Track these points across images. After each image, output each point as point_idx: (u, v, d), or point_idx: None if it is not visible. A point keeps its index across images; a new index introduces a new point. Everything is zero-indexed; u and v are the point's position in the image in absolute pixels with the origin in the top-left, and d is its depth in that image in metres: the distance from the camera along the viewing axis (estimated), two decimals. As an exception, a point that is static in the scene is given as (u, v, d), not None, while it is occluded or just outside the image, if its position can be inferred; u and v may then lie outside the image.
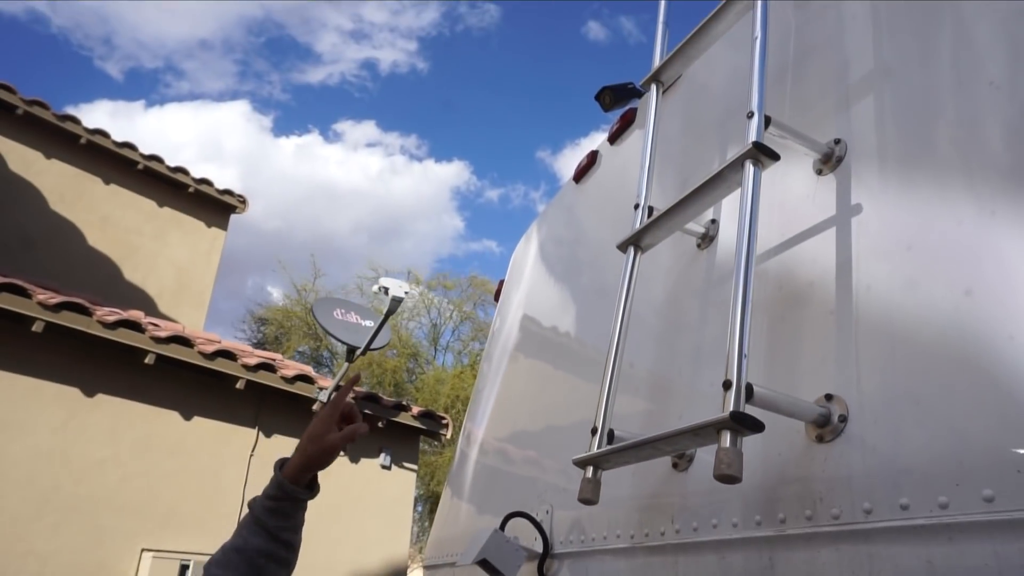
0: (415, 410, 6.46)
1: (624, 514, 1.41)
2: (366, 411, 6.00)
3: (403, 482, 6.46)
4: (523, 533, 1.73)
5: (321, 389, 5.69)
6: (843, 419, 1.02)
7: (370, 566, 5.96)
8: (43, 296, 4.43)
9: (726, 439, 0.93)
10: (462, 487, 2.44)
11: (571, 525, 1.60)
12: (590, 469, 1.23)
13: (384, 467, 6.27)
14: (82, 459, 4.58)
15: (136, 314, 5.09)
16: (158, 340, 4.83)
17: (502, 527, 1.68)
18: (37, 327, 4.36)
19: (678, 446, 1.08)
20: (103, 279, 7.18)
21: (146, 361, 4.78)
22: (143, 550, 4.66)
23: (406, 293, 5.54)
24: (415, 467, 6.62)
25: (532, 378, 2.27)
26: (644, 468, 1.38)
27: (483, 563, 1.60)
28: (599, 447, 1.22)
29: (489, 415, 2.47)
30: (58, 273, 6.28)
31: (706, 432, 0.97)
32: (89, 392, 4.71)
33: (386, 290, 5.50)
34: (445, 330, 17.81)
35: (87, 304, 4.60)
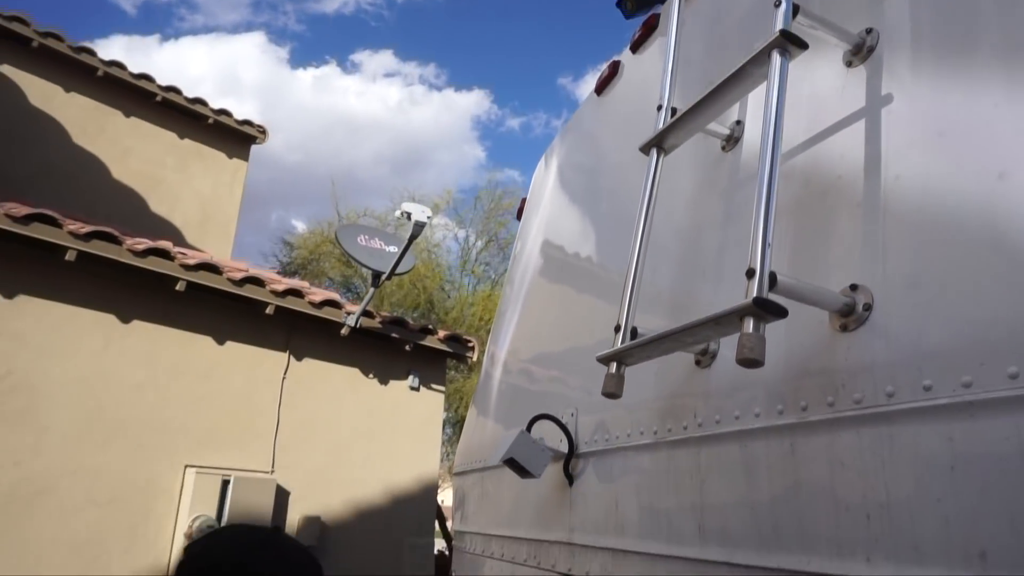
0: (441, 333, 6.56)
1: (647, 413, 1.45)
2: (393, 335, 6.11)
3: (432, 403, 6.63)
4: (549, 437, 1.79)
5: (348, 314, 5.78)
6: (868, 308, 1.03)
7: (402, 482, 6.20)
8: (74, 226, 4.51)
9: (749, 325, 0.94)
10: (488, 401, 2.50)
11: (595, 427, 1.64)
12: (613, 365, 1.25)
13: (413, 388, 6.43)
14: (121, 382, 4.75)
15: (165, 243, 5.17)
16: (187, 267, 4.91)
17: (528, 429, 1.73)
18: (70, 256, 4.45)
19: (700, 337, 1.09)
20: (129, 212, 7.27)
21: (177, 288, 4.88)
22: (186, 466, 4.89)
23: (428, 218, 5.55)
24: (443, 388, 6.77)
25: (554, 296, 2.29)
26: (667, 368, 1.41)
27: (510, 462, 1.66)
28: (622, 343, 1.24)
29: (512, 334, 2.50)
30: (84, 207, 6.35)
31: (728, 320, 0.98)
32: (124, 318, 4.85)
33: (408, 215, 5.51)
34: (472, 254, 17.85)
35: (117, 233, 4.68)
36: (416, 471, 6.32)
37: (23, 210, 4.30)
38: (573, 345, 1.98)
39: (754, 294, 0.94)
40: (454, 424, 15.22)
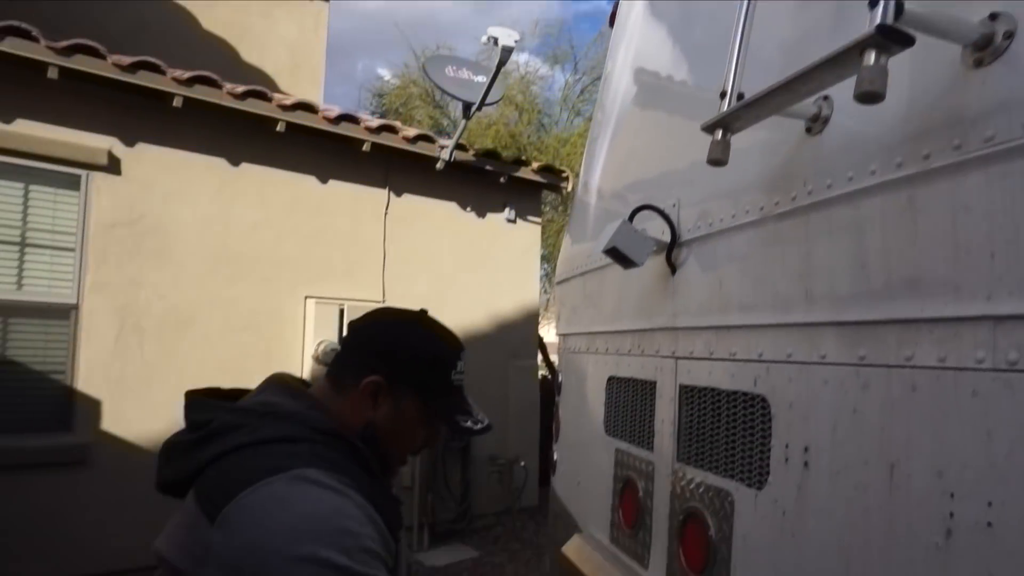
0: (535, 165, 6.54)
1: (752, 194, 1.42)
2: (487, 167, 6.14)
3: (528, 235, 6.74)
4: (651, 230, 1.79)
5: (442, 147, 5.82)
6: (1008, 36, 0.93)
7: (504, 310, 6.49)
8: (176, 72, 4.65)
9: (870, 58, 0.88)
10: (585, 223, 2.50)
11: (698, 215, 1.63)
12: (719, 132, 1.22)
13: (509, 221, 6.54)
14: (239, 222, 5.08)
15: (261, 87, 5.26)
16: (285, 108, 5.02)
17: (630, 219, 1.74)
18: (176, 102, 4.63)
19: (816, 84, 1.03)
20: (222, 63, 7.36)
21: (277, 129, 5.03)
22: (306, 297, 5.29)
23: (516, 42, 5.34)
24: (538, 220, 6.85)
25: (649, 110, 2.19)
26: (774, 141, 1.36)
27: (613, 252, 1.69)
28: (728, 107, 1.19)
29: (606, 152, 2.45)
30: (182, 61, 6.49)
31: (847, 57, 0.92)
32: (234, 161, 5.09)
33: (495, 40, 5.32)
34: (561, 91, 17.24)
35: (216, 78, 4.80)
36: (517, 299, 6.57)
37: (127, 60, 4.45)
38: (672, 144, 1.93)
39: (877, 22, 0.87)
40: (550, 260, 15.49)
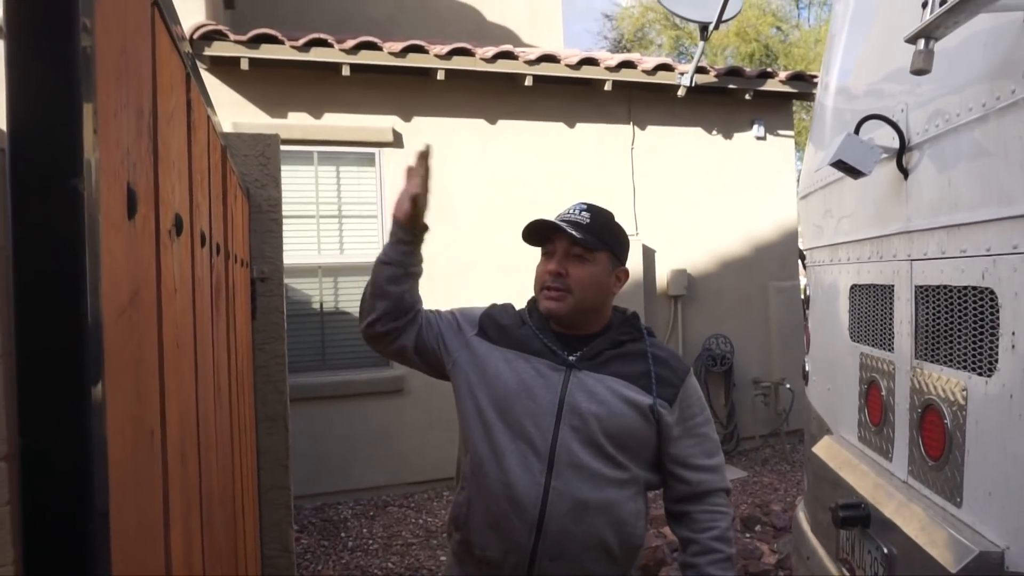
0: (783, 75, 6.21)
1: (974, 90, 1.42)
2: (730, 86, 6.00)
3: (781, 150, 6.48)
4: (880, 138, 1.82)
5: (682, 74, 5.82)
6: None
7: (760, 230, 6.37)
8: (436, 48, 5.29)
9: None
10: (823, 130, 2.50)
11: (926, 117, 1.64)
12: (922, 41, 1.27)
13: (759, 138, 6.34)
14: (501, 175, 5.67)
15: (507, 47, 5.73)
16: (530, 62, 5.43)
17: (856, 131, 1.79)
18: (440, 76, 5.28)
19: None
20: (471, 26, 8.01)
21: (526, 84, 5.47)
22: (565, 236, 5.75)
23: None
24: (791, 133, 6.53)
25: (877, 11, 2.12)
26: (994, 37, 1.35)
27: (839, 164, 1.77)
28: (931, 15, 1.24)
29: (842, 55, 2.41)
30: (435, 30, 7.22)
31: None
32: (491, 120, 5.66)
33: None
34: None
35: (469, 47, 5.35)
36: (773, 218, 6.41)
37: (398, 45, 5.16)
38: (900, 47, 1.89)
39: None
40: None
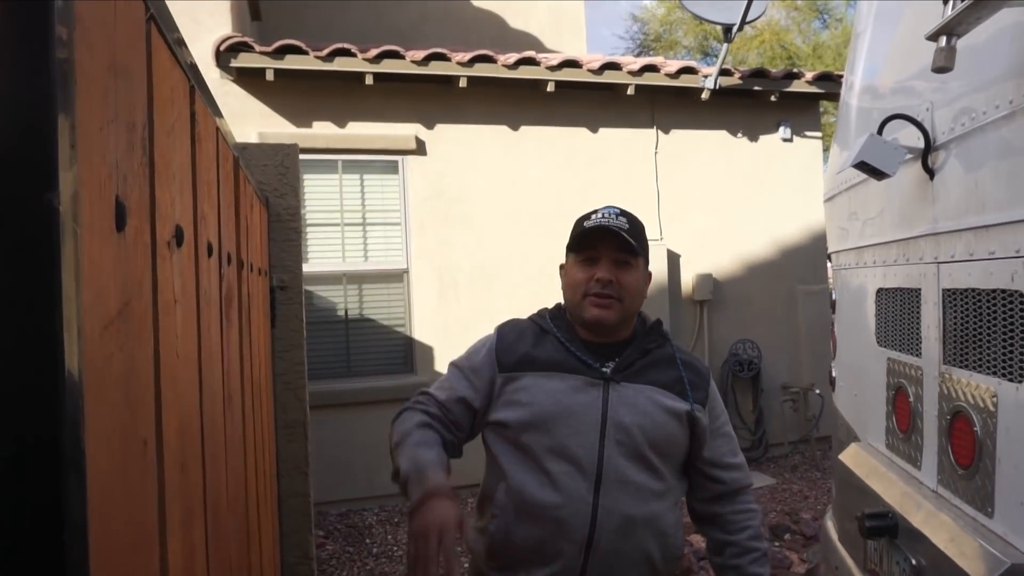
0: (809, 75, 6.11)
1: (1001, 87, 1.38)
2: (755, 88, 5.93)
3: (808, 151, 6.37)
4: (905, 137, 1.78)
5: (706, 77, 5.76)
6: None
7: (788, 233, 6.26)
8: (458, 56, 5.30)
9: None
10: (847, 129, 2.45)
11: (952, 116, 1.59)
12: (943, 38, 1.24)
13: (785, 140, 6.24)
14: (524, 181, 5.65)
15: (529, 53, 5.73)
16: (552, 68, 5.42)
17: (879, 131, 1.75)
18: (462, 83, 5.30)
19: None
20: (492, 33, 8.03)
21: (548, 89, 5.46)
22: (589, 242, 5.72)
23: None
24: (818, 134, 6.42)
25: (901, 9, 2.07)
26: (1022, 27, 1.31)
27: (862, 166, 1.73)
28: (952, 11, 1.21)
29: (867, 52, 2.36)
30: (458, 37, 7.25)
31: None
32: (514, 126, 5.65)
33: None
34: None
35: (491, 53, 5.36)
36: (800, 221, 6.30)
37: (420, 54, 5.19)
38: (924, 45, 1.84)
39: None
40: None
